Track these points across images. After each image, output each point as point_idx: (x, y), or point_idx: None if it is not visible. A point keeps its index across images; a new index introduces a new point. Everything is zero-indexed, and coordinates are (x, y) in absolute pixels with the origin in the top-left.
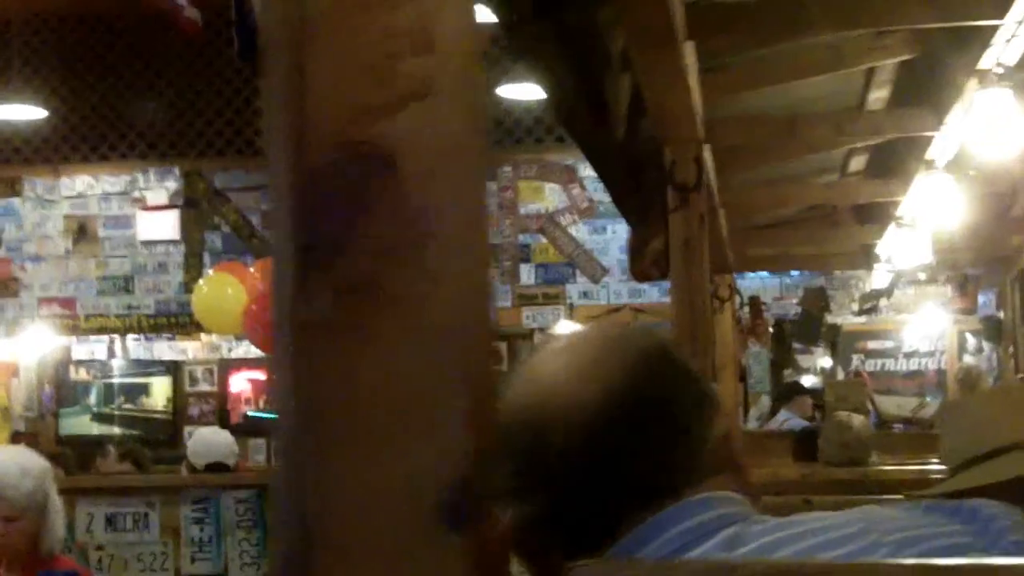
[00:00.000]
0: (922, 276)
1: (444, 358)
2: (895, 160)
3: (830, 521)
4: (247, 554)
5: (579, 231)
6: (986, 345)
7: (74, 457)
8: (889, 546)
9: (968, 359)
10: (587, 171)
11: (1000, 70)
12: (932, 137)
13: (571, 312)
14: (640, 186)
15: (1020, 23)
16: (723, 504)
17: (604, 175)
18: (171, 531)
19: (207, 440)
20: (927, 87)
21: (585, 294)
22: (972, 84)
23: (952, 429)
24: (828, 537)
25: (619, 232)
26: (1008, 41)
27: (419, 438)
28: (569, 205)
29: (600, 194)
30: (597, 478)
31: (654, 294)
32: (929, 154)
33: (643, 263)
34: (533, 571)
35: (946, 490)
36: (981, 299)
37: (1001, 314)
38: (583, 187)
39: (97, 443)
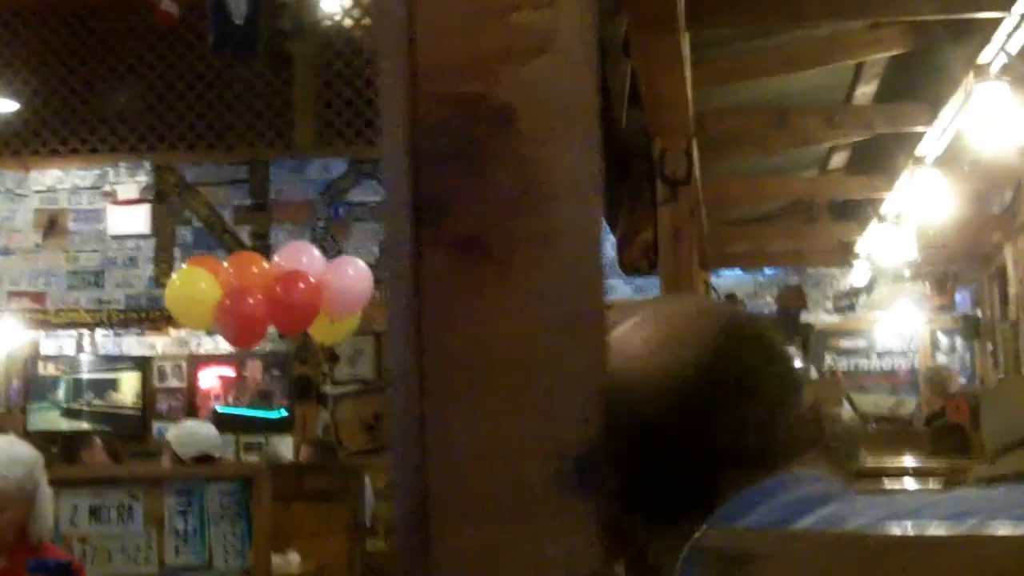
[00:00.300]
0: (907, 273)
1: (562, 318)
2: (879, 156)
3: (935, 500)
4: (231, 546)
5: None
6: (960, 344)
7: (59, 450)
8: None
9: (941, 358)
10: None
11: (1003, 63)
12: (921, 132)
13: None
14: (627, 177)
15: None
16: (818, 480)
17: None
18: (155, 522)
19: (193, 432)
20: (919, 81)
21: None
22: (970, 78)
23: (991, 416)
24: (938, 515)
25: None
26: (1010, 35)
27: (543, 399)
28: None
29: None
30: (687, 450)
31: (627, 291)
32: (919, 149)
33: (631, 254)
34: (616, 544)
35: (984, 476)
36: (958, 297)
37: (979, 312)
38: None
39: (71, 437)
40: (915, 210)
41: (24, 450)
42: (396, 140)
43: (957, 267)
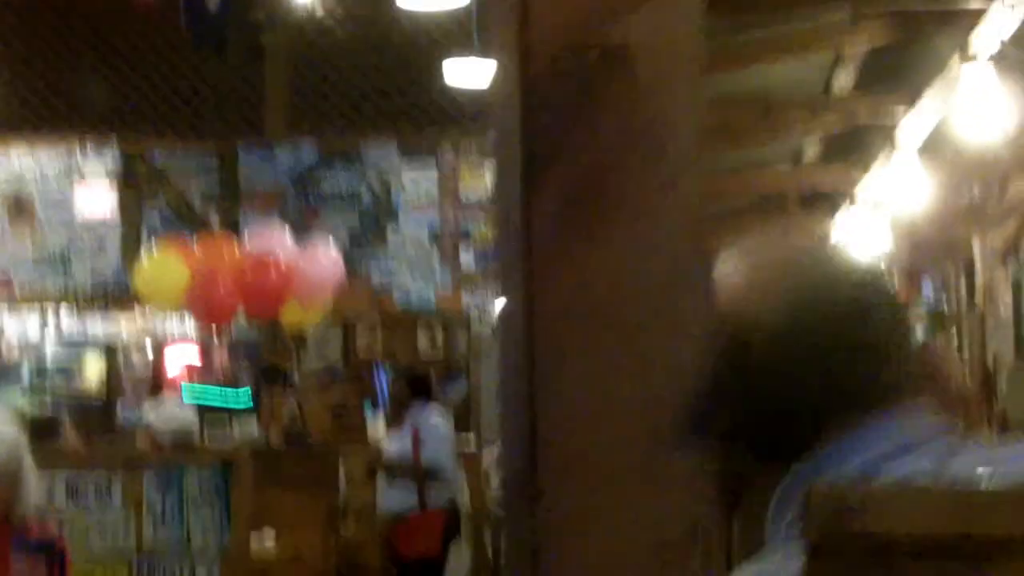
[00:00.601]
0: (881, 264)
1: (672, 264)
2: (854, 146)
3: None
4: (209, 528)
5: None
6: (922, 334)
7: (33, 431)
8: None
9: None
10: None
11: (990, 51)
12: (900, 123)
13: None
14: None
15: (1013, 6)
16: (923, 422)
17: None
18: (133, 503)
19: (170, 413)
20: (900, 72)
21: None
22: (954, 66)
23: (1014, 397)
24: None
25: None
26: (998, 23)
27: (658, 347)
28: None
29: None
30: (795, 388)
31: None
32: (898, 138)
33: None
34: (718, 487)
35: None
36: (924, 288)
37: (944, 303)
38: None
39: (43, 418)
40: (891, 199)
41: (7, 430)
42: (509, 83)
43: (925, 258)
